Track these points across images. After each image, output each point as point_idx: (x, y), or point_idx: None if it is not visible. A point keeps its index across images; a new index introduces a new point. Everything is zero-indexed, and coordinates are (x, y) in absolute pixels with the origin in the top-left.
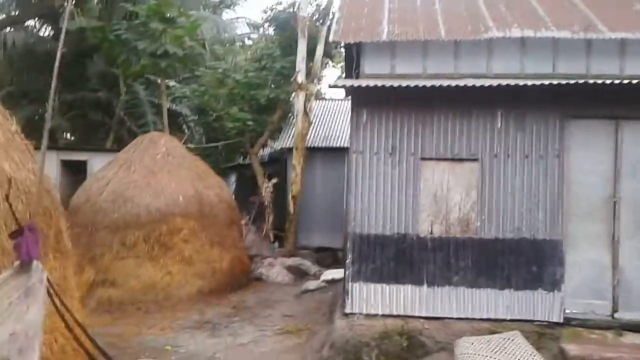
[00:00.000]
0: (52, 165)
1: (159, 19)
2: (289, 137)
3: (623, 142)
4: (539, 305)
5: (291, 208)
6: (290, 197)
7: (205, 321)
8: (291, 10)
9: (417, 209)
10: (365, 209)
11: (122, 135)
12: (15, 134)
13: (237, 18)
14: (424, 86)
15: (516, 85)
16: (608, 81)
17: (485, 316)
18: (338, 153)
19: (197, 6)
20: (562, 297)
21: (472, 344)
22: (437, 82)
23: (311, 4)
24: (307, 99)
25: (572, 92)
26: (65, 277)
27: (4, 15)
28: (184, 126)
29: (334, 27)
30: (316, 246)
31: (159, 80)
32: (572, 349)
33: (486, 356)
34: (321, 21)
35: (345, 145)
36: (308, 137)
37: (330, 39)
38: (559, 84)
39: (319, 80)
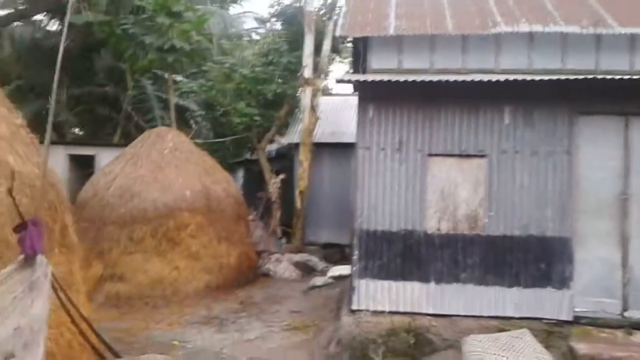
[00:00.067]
0: (59, 160)
1: (165, 14)
2: (296, 132)
3: (633, 138)
4: (548, 303)
5: (298, 204)
6: (297, 192)
7: (213, 316)
8: (298, 4)
9: (424, 205)
10: (372, 205)
11: (129, 130)
12: (20, 127)
13: (245, 12)
14: (431, 81)
15: (524, 81)
16: (618, 77)
17: (493, 314)
18: (345, 149)
19: (204, 1)
20: (572, 295)
21: (480, 341)
22: (444, 78)
23: None
24: (314, 95)
25: (581, 88)
26: (71, 272)
27: (12, 10)
28: (192, 121)
29: (340, 21)
30: (324, 242)
31: (166, 75)
32: (581, 347)
33: (494, 354)
34: (328, 16)
35: (353, 141)
36: (315, 132)
37: (337, 33)
38: (567, 79)
39: (326, 75)
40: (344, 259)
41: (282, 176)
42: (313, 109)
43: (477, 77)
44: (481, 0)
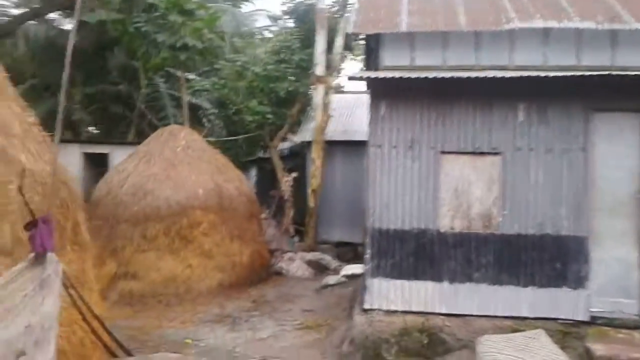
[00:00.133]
0: (74, 158)
1: (178, 12)
2: (308, 130)
3: None
4: (564, 303)
5: (311, 202)
6: (310, 191)
7: (226, 315)
8: (310, 1)
9: (437, 203)
10: (384, 203)
11: (143, 128)
12: (32, 125)
13: (257, 10)
14: (444, 78)
15: (538, 77)
16: (634, 73)
17: (507, 314)
18: (358, 147)
19: None
20: (588, 295)
21: (494, 342)
22: (457, 74)
23: None
24: (326, 92)
25: (597, 85)
26: (84, 270)
27: (26, 9)
28: (204, 119)
29: (352, 18)
30: (336, 241)
31: (178, 73)
32: (598, 348)
33: (509, 355)
34: (340, 13)
35: (365, 139)
36: (327, 130)
37: (349, 30)
38: (582, 75)
39: (339, 73)
40: (357, 258)
41: (294, 174)
42: (325, 106)
43: (491, 74)
44: None
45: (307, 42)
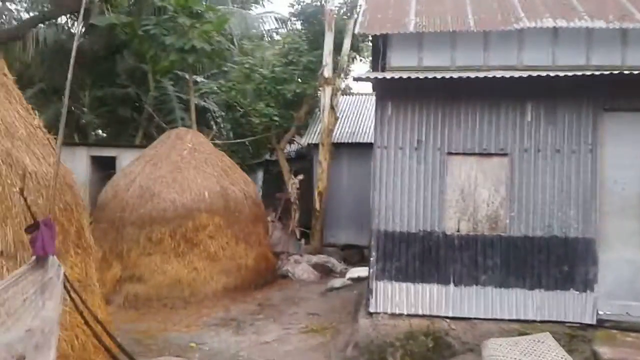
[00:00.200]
0: (82, 161)
1: (186, 14)
2: (315, 132)
3: None
4: (571, 306)
5: (317, 205)
6: (316, 193)
7: (230, 318)
8: (318, 3)
9: (444, 205)
10: (390, 205)
11: (151, 131)
12: (37, 128)
13: (266, 13)
14: (452, 78)
15: (547, 77)
16: None
17: (514, 317)
18: (365, 149)
19: (225, 1)
20: (595, 298)
21: (501, 345)
22: (465, 74)
23: None
24: (333, 94)
25: (606, 84)
26: (87, 273)
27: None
28: (212, 122)
29: (360, 18)
30: (343, 243)
31: (187, 76)
32: (605, 352)
33: (515, 358)
34: (348, 14)
35: (372, 141)
36: (334, 132)
37: (356, 30)
38: (592, 75)
39: (346, 74)
40: (363, 261)
41: (301, 177)
42: (332, 108)
43: (499, 74)
44: None
45: (315, 43)
